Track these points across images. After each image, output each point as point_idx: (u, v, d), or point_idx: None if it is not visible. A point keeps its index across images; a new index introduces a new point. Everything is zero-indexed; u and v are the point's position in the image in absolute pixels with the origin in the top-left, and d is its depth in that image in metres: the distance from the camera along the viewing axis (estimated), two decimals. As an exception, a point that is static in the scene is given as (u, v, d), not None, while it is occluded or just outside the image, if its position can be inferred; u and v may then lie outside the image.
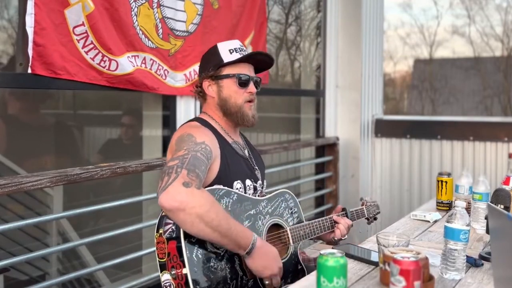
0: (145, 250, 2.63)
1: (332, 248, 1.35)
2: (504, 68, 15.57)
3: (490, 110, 15.35)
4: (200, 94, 1.91)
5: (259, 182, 1.90)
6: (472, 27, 20.60)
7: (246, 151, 1.93)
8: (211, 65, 1.85)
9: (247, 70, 1.88)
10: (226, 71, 1.85)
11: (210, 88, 1.87)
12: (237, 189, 1.77)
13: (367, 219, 2.15)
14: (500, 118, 10.25)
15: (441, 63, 17.20)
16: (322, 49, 4.30)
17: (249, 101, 1.87)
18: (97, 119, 5.12)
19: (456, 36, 21.13)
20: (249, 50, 1.93)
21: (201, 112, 1.95)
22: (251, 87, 1.86)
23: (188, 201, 1.44)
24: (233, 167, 1.78)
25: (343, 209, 2.05)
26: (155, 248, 1.60)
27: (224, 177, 1.73)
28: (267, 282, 1.64)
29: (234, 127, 1.91)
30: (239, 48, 1.87)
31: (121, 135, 4.18)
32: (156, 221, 2.58)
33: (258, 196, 1.86)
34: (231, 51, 1.85)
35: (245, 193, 1.79)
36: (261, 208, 1.77)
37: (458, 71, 16.32)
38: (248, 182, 1.83)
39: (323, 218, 1.95)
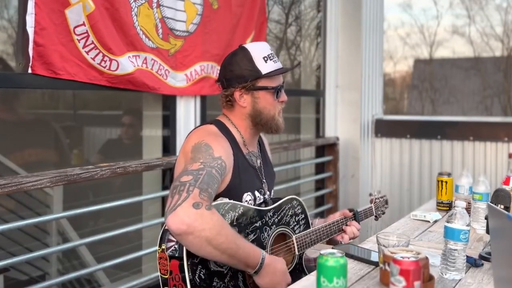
0: (145, 250, 2.63)
1: (332, 248, 1.35)
2: (504, 68, 15.59)
3: (490, 110, 15.37)
4: (229, 103, 1.80)
5: (267, 193, 1.87)
6: (472, 27, 20.65)
7: (258, 161, 1.88)
8: (247, 74, 1.76)
9: (280, 79, 1.83)
10: (263, 83, 1.77)
11: (242, 98, 1.78)
12: (246, 201, 1.73)
13: (376, 216, 2.14)
14: (500, 118, 10.25)
15: (441, 63, 17.22)
16: (322, 49, 4.30)
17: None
18: (97, 119, 5.13)
19: (456, 36, 21.18)
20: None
21: (221, 114, 1.86)
22: (283, 96, 1.83)
23: (196, 224, 1.37)
24: (244, 180, 1.74)
25: (351, 210, 2.00)
26: (157, 262, 1.57)
27: (234, 189, 1.70)
28: None
29: (255, 135, 1.87)
30: (271, 55, 1.80)
31: (121, 135, 4.18)
32: (155, 221, 2.63)
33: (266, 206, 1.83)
34: (265, 59, 1.77)
35: (254, 204, 1.76)
36: (267, 219, 1.73)
37: (458, 71, 16.34)
38: (257, 193, 1.80)
39: (329, 223, 1.91)
